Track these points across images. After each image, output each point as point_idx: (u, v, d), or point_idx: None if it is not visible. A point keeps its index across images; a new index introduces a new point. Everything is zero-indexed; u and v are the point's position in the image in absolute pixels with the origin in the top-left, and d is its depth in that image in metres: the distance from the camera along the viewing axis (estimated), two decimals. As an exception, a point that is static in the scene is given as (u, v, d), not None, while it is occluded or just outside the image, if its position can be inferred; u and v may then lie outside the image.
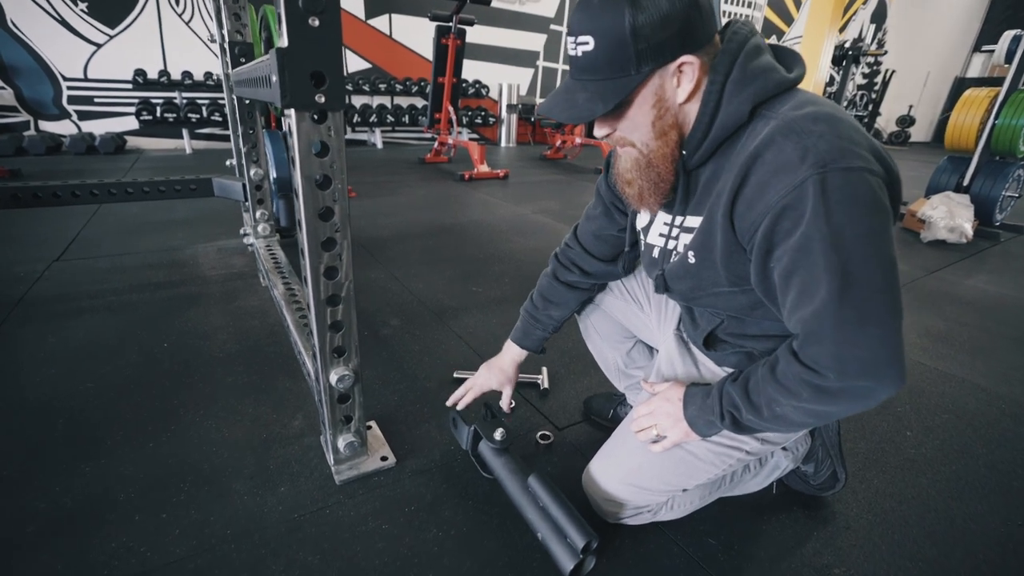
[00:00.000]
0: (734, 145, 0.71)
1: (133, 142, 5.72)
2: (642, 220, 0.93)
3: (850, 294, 0.60)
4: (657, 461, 0.88)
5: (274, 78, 0.78)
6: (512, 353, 1.17)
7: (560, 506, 0.88)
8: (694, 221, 0.79)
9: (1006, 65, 3.36)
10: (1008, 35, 3.35)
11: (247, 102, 1.92)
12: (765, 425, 0.75)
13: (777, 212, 0.63)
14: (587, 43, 0.68)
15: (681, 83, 0.70)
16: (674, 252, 0.84)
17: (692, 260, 0.81)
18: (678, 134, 0.74)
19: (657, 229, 0.88)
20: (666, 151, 0.74)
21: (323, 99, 0.79)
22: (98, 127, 5.51)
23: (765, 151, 0.64)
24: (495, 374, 1.17)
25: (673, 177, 0.77)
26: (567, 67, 0.79)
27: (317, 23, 0.75)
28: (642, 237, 0.94)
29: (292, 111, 0.79)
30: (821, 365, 0.64)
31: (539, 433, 1.23)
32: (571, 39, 0.71)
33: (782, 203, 0.62)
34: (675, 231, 0.83)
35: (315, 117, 0.81)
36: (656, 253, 0.89)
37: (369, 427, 1.21)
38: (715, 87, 0.69)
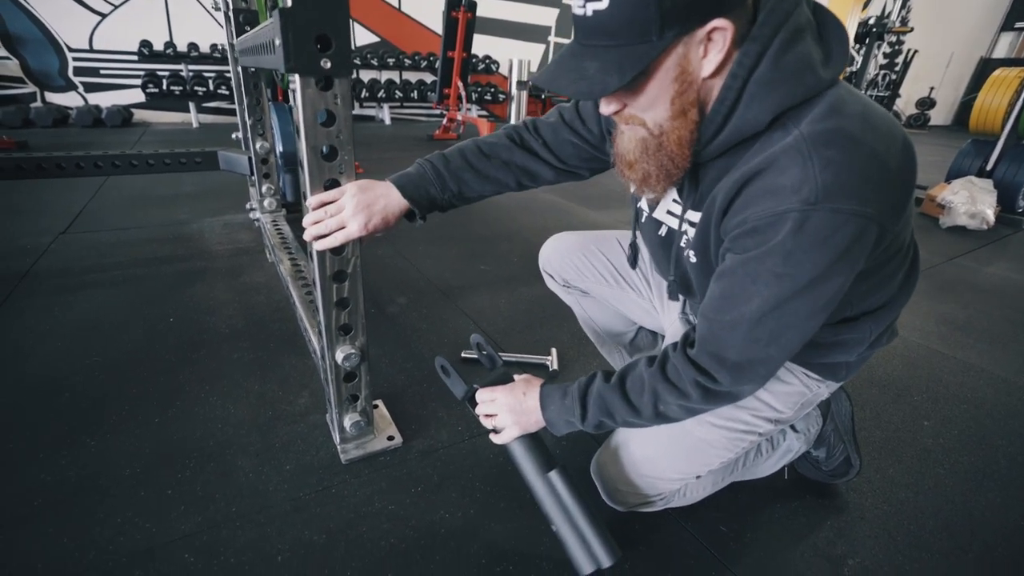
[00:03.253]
0: (749, 147, 0.64)
1: (140, 115, 5.67)
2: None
3: (772, 318, 0.63)
4: (670, 449, 0.85)
5: (277, 41, 0.74)
6: (393, 195, 0.86)
7: (584, 511, 0.81)
8: (696, 216, 0.74)
9: (1039, 44, 3.22)
10: (1044, 11, 3.20)
11: (252, 72, 1.87)
12: (642, 423, 0.76)
13: (749, 228, 0.61)
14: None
15: (708, 53, 0.59)
16: (684, 237, 0.78)
17: (693, 260, 0.77)
18: (699, 113, 0.63)
19: (665, 206, 0.82)
20: (683, 133, 0.64)
21: (329, 64, 0.75)
22: (104, 99, 5.46)
23: (768, 169, 0.60)
24: (363, 212, 0.82)
25: (688, 163, 0.67)
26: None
27: (322, -19, 0.70)
28: (645, 209, 0.87)
29: (297, 78, 0.75)
30: (718, 370, 0.68)
31: None
32: None
33: (757, 223, 0.60)
34: (687, 218, 0.77)
35: (321, 84, 0.77)
36: (663, 232, 0.84)
37: (376, 406, 1.19)
38: (737, 81, 0.59)
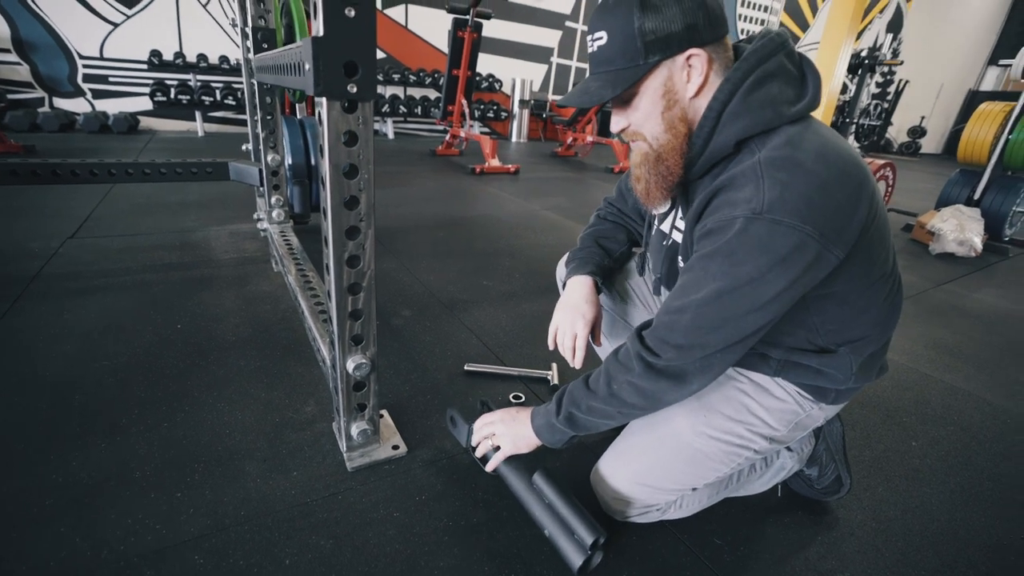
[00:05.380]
0: (724, 168, 0.76)
1: (146, 122, 5.73)
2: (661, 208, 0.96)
3: (714, 309, 0.72)
4: (668, 460, 0.89)
5: (307, 66, 0.79)
6: (579, 288, 1.05)
7: (567, 503, 0.88)
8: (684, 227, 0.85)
9: (1022, 80, 3.34)
10: (1027, 50, 3.33)
11: (267, 87, 1.92)
12: (600, 408, 0.84)
13: (706, 231, 0.73)
14: (601, 38, 0.75)
15: (691, 77, 0.74)
16: (680, 247, 0.88)
17: (681, 264, 0.86)
18: (687, 128, 0.77)
19: (671, 221, 0.92)
20: (675, 144, 0.77)
21: (355, 89, 0.80)
22: (112, 106, 5.52)
23: (730, 185, 0.71)
24: (569, 315, 1.02)
25: (681, 171, 0.79)
26: (582, 64, 0.86)
27: (353, 13, 0.76)
28: (656, 223, 0.98)
29: (323, 100, 0.80)
30: (663, 348, 0.76)
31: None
32: (589, 37, 0.79)
33: (712, 226, 0.72)
34: (682, 228, 0.88)
35: (345, 106, 0.82)
36: (668, 243, 0.93)
37: (381, 416, 1.22)
38: (713, 112, 0.74)
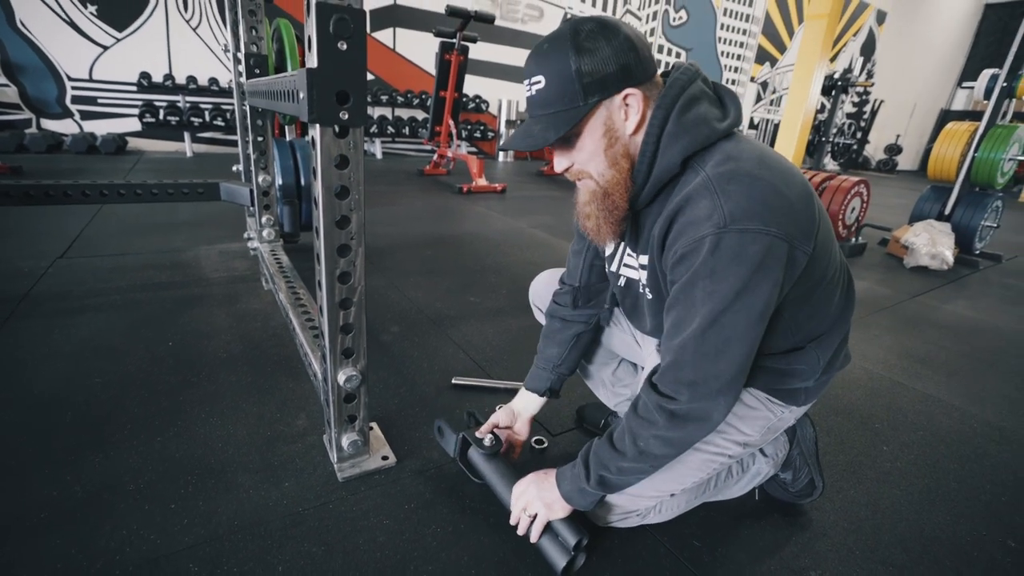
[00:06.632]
0: (671, 191, 0.79)
1: (134, 143, 5.76)
2: (608, 249, 1.01)
3: (713, 332, 0.73)
4: (648, 467, 0.93)
5: (302, 95, 0.85)
6: (522, 399, 1.18)
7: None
8: (645, 259, 0.88)
9: (985, 101, 3.52)
10: (987, 73, 3.52)
11: (259, 111, 1.98)
12: (632, 467, 0.83)
13: (678, 258, 0.75)
14: (539, 82, 0.77)
15: (628, 116, 0.78)
16: (640, 284, 0.92)
17: (649, 296, 0.90)
18: (629, 163, 0.80)
19: (620, 259, 0.96)
20: (620, 178, 0.80)
21: (346, 116, 0.85)
22: (100, 127, 5.54)
23: (686, 206, 0.74)
24: (503, 413, 1.17)
25: (627, 205, 0.82)
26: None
27: (345, 47, 0.82)
28: (607, 266, 1.02)
29: (317, 126, 0.85)
30: (677, 389, 0.77)
31: (533, 439, 1.28)
32: (526, 82, 0.80)
33: (683, 251, 0.74)
34: (635, 264, 0.92)
35: (337, 132, 0.87)
36: (622, 283, 0.97)
37: (371, 427, 1.25)
38: (651, 137, 0.77)
